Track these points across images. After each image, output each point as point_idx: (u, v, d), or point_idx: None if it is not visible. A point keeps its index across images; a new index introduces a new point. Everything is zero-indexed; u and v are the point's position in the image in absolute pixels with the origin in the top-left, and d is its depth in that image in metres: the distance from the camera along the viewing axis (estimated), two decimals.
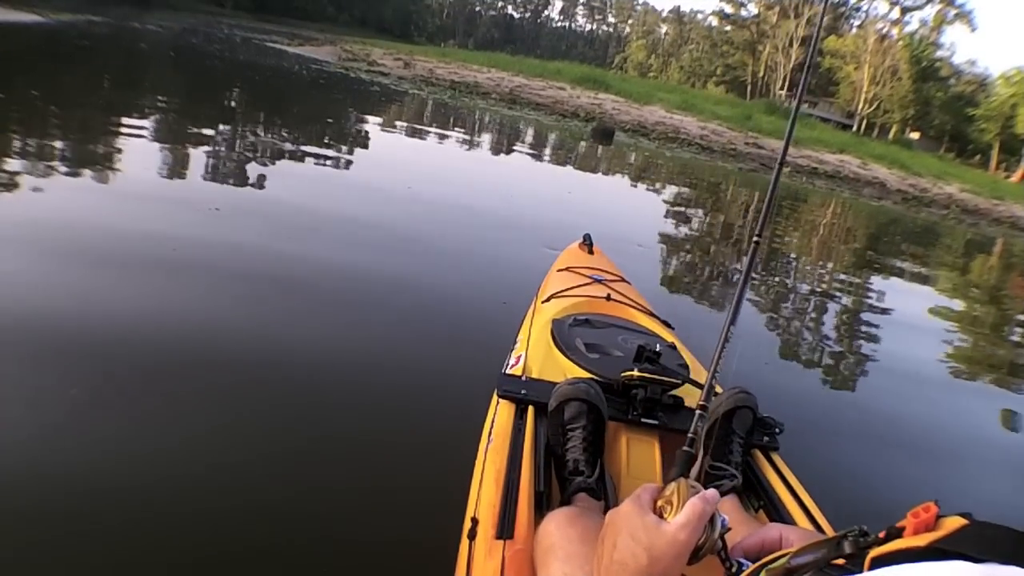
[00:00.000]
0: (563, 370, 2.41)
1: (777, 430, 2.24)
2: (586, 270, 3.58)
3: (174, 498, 2.34)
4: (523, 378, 2.31)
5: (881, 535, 0.82)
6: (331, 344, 3.73)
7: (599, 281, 3.41)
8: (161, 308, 3.70)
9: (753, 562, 1.12)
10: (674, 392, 2.27)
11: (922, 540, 0.74)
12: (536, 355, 2.55)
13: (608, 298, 3.17)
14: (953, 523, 0.75)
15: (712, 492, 1.05)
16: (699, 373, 2.58)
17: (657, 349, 2.27)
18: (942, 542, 0.72)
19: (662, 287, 6.11)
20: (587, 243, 4.17)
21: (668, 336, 2.91)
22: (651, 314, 3.17)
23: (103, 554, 2.10)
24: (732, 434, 2.04)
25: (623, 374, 2.22)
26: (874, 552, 0.79)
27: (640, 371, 2.19)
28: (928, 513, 0.77)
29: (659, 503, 1.05)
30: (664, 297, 5.76)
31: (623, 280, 3.62)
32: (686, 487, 1.04)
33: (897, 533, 0.79)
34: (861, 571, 0.79)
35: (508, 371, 2.53)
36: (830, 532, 1.80)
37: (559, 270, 3.70)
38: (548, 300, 3.17)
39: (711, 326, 5.46)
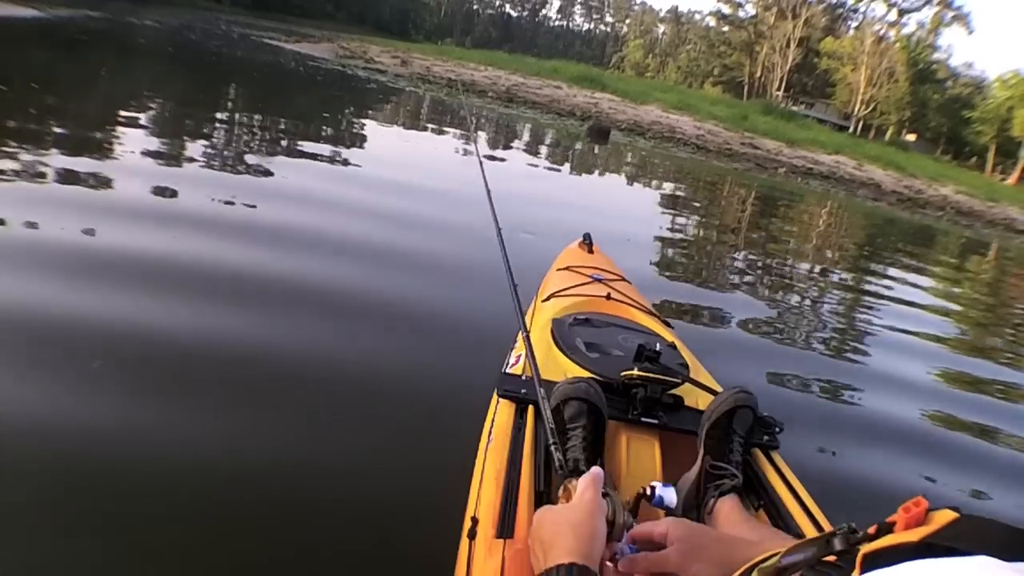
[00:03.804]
0: (563, 369, 2.41)
1: (777, 429, 2.23)
2: (586, 269, 3.57)
3: (178, 497, 2.35)
4: (523, 377, 2.30)
5: (871, 531, 0.82)
6: (329, 346, 3.72)
7: (599, 280, 3.40)
8: (154, 312, 3.67)
9: (638, 550, 1.28)
10: (674, 391, 2.26)
11: (914, 535, 0.74)
12: (536, 354, 2.54)
13: (608, 297, 3.16)
14: (944, 517, 0.74)
15: (596, 469, 1.24)
16: (699, 372, 2.58)
17: (657, 348, 2.26)
18: (934, 536, 0.72)
19: (662, 286, 6.09)
20: (587, 242, 4.15)
21: (668, 335, 2.90)
22: (651, 313, 3.17)
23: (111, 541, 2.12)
24: (732, 433, 2.04)
25: (623, 373, 2.21)
26: (865, 548, 0.79)
27: (640, 370, 2.18)
28: (918, 507, 0.77)
29: (562, 500, 1.23)
30: (664, 296, 5.75)
31: (623, 279, 3.61)
32: (575, 480, 1.23)
33: (888, 529, 0.79)
34: (853, 568, 0.78)
35: (508, 370, 2.53)
36: (821, 517, 1.82)
37: (559, 269, 3.68)
38: (548, 299, 3.16)
39: (712, 325, 5.49)
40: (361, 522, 2.40)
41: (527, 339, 2.22)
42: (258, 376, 3.24)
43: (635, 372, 2.19)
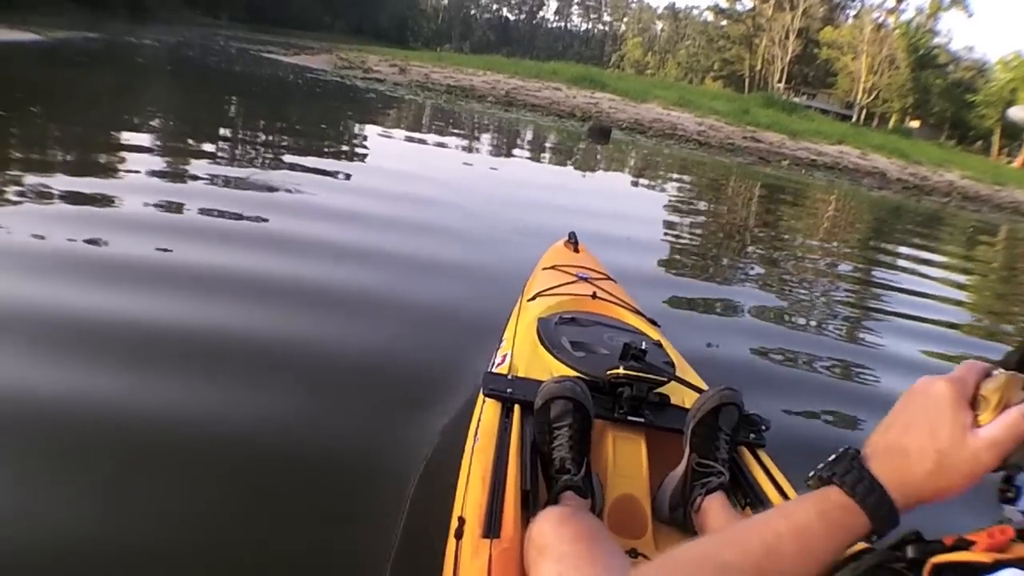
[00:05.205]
0: (549, 368, 2.42)
1: (763, 427, 2.23)
2: (572, 268, 3.58)
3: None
4: (509, 377, 2.31)
5: (947, 542, 0.82)
6: (316, 343, 3.71)
7: (584, 279, 3.41)
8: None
9: None
10: (660, 390, 2.27)
11: (988, 558, 0.75)
12: (522, 354, 2.55)
13: (594, 296, 3.18)
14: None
15: None
16: (685, 371, 2.58)
17: (643, 347, 2.26)
18: (1008, 564, 0.72)
19: (648, 285, 6.00)
20: (572, 241, 4.15)
21: (654, 334, 2.91)
22: (637, 312, 3.18)
23: None
24: (718, 431, 2.04)
25: (609, 372, 2.22)
26: (936, 559, 0.79)
27: (626, 369, 2.19)
28: (1004, 535, 0.78)
29: (980, 393, 0.86)
30: (650, 295, 5.66)
31: (608, 278, 3.62)
32: (1017, 387, 0.84)
33: (965, 545, 0.80)
34: (920, 574, 0.79)
35: (494, 370, 2.54)
36: None
37: (544, 268, 3.69)
38: (534, 299, 3.17)
39: (698, 324, 5.43)
40: (349, 523, 2.40)
41: None
42: (239, 380, 3.23)
43: (621, 371, 2.19)
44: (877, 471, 0.85)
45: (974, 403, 0.85)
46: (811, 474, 0.90)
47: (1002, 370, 0.87)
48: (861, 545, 0.92)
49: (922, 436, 0.85)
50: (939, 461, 0.83)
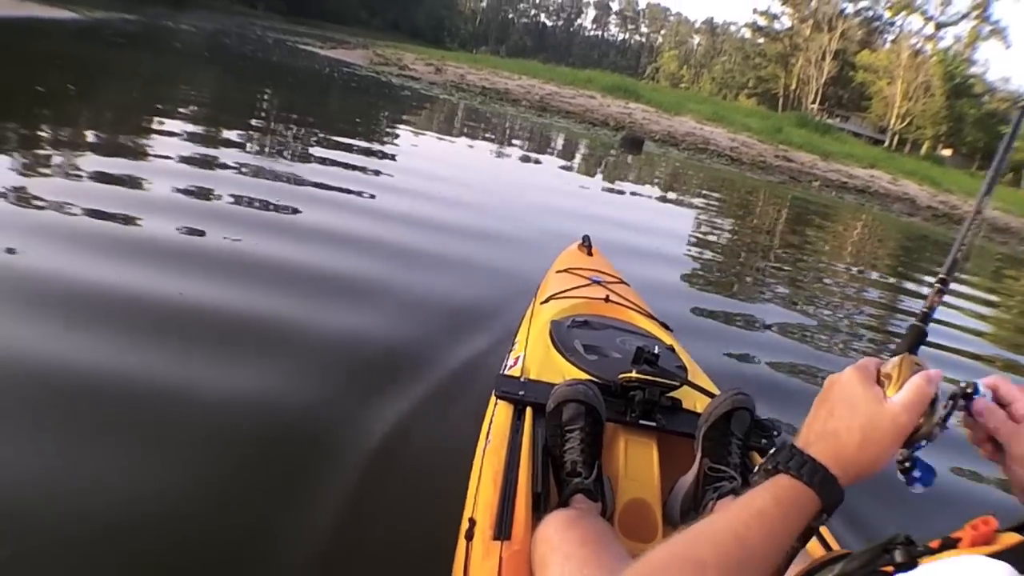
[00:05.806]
0: (561, 371, 2.41)
1: (775, 432, 2.22)
2: (585, 271, 3.58)
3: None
4: (521, 379, 2.32)
5: (934, 544, 0.83)
6: (320, 338, 3.73)
7: (598, 283, 3.41)
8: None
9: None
10: (672, 394, 2.26)
11: (976, 553, 0.75)
12: (534, 356, 2.56)
13: (607, 300, 3.17)
14: (1010, 539, 0.76)
15: (936, 372, 0.98)
16: (697, 375, 2.57)
17: (655, 351, 2.25)
18: (998, 556, 0.73)
19: (668, 289, 5.98)
20: (586, 244, 4.15)
21: (667, 338, 2.91)
22: (650, 316, 3.18)
23: None
24: (730, 435, 2.04)
25: (621, 376, 2.22)
26: (926, 562, 0.80)
27: (638, 373, 2.18)
28: (987, 527, 0.78)
29: (881, 375, 1.00)
30: (668, 300, 5.60)
31: (622, 282, 3.62)
32: (909, 364, 0.99)
33: (952, 544, 0.81)
34: None
35: (506, 372, 2.55)
36: (826, 533, 1.79)
37: (558, 271, 3.70)
38: (547, 301, 3.18)
39: (710, 329, 5.40)
40: (359, 522, 2.39)
41: None
42: (252, 368, 3.27)
43: (633, 374, 2.19)
44: (815, 454, 0.92)
45: (879, 383, 0.98)
46: (756, 470, 0.97)
47: (897, 356, 1.02)
48: (843, 550, 0.93)
49: (845, 416, 0.95)
50: (865, 434, 0.92)
